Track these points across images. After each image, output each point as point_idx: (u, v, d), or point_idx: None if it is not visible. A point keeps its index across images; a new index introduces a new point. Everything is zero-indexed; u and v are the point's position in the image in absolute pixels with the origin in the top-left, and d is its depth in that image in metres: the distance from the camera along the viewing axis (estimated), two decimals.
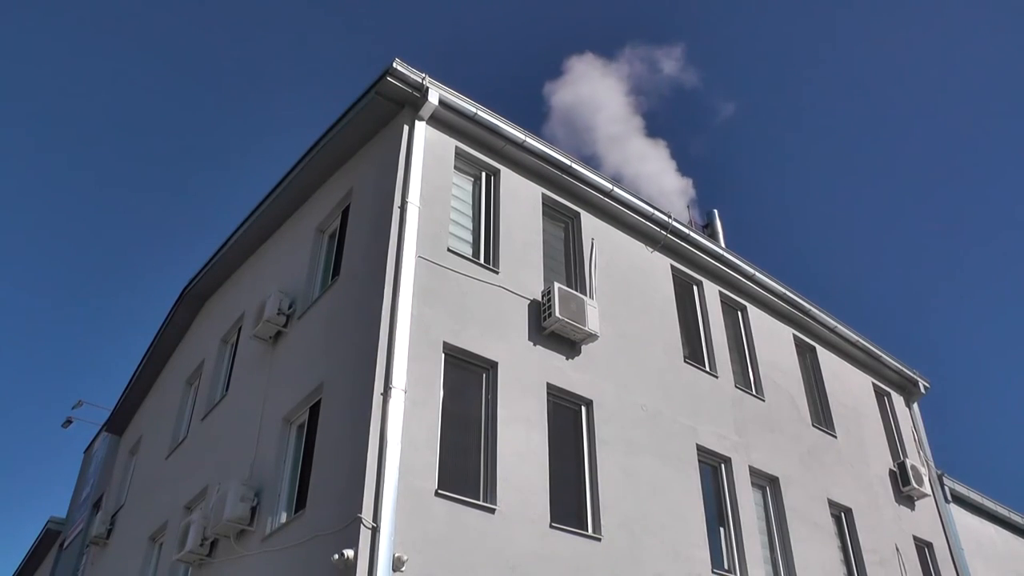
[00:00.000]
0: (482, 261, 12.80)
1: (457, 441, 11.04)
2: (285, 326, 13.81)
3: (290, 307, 13.82)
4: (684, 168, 61.14)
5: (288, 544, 11.04)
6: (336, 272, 13.35)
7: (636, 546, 12.17)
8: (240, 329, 16.32)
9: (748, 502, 14.74)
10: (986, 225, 58.30)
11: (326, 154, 14.16)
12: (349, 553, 9.27)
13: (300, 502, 11.51)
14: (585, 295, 13.53)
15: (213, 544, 13.15)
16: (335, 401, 11.47)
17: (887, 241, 60.59)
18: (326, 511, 10.43)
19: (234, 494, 12.17)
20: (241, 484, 12.37)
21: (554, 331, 12.68)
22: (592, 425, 12.63)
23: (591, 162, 15.80)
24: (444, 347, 11.42)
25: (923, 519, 19.61)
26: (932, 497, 20.29)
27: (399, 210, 11.83)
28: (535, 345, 12.52)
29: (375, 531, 9.38)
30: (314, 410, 12.13)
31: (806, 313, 18.73)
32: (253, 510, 12.21)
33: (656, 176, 34.50)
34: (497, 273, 12.74)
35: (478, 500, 10.63)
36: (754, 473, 15.26)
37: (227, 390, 15.83)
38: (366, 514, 9.46)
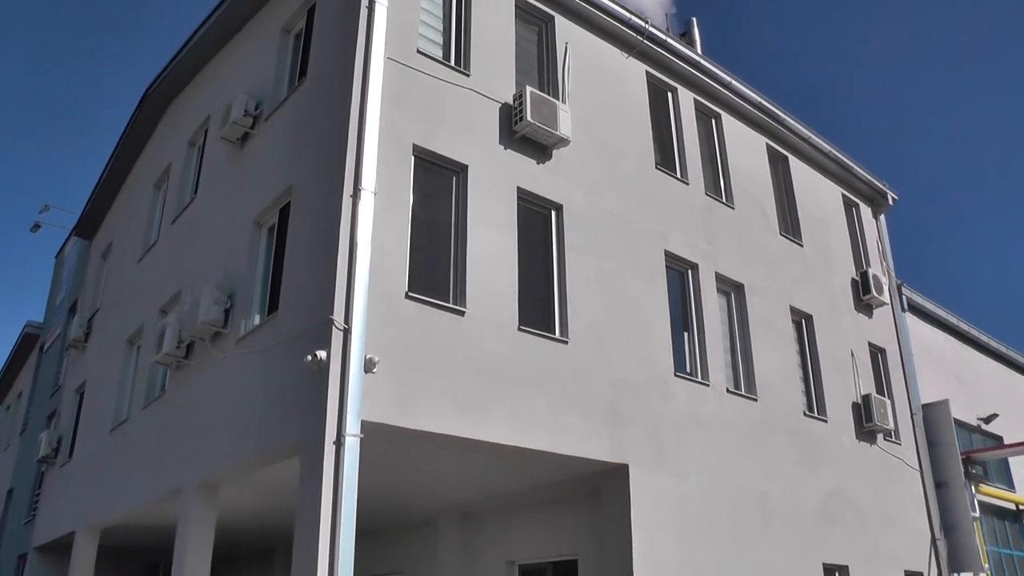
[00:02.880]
0: (453, 63, 12.47)
1: (427, 244, 11.10)
2: (252, 128, 13.56)
3: (257, 108, 13.53)
4: None
5: (262, 346, 11.29)
6: (303, 73, 13.00)
7: (602, 350, 12.53)
8: (207, 132, 16.03)
9: (713, 308, 15.12)
10: (963, 42, 57.40)
11: None
12: (322, 354, 9.48)
13: (273, 304, 11.66)
14: (557, 99, 13.30)
15: (189, 347, 13.42)
16: (305, 204, 11.43)
17: (863, 54, 59.69)
18: (298, 313, 10.60)
19: (207, 297, 12.31)
20: (214, 287, 12.50)
21: (525, 135, 12.54)
22: (561, 230, 12.73)
23: None
24: (414, 150, 11.28)
25: (879, 327, 20.28)
26: (890, 306, 20.91)
27: (367, 9, 11.37)
28: (506, 149, 12.41)
29: (347, 333, 9.56)
30: (284, 213, 12.10)
31: (780, 122, 18.61)
32: (227, 313, 12.40)
33: None
34: (468, 76, 12.44)
35: (448, 303, 10.80)
36: (720, 280, 15.58)
37: (196, 193, 15.71)
38: (337, 316, 9.62)
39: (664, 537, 12.55)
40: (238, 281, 12.52)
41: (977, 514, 20.69)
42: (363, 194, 10.14)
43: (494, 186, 11.96)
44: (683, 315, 14.74)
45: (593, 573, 13.15)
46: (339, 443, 9.21)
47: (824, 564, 15.80)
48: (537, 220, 12.68)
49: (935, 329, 23.80)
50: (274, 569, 20.64)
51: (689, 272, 15.02)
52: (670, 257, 14.54)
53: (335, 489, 9.08)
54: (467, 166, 11.72)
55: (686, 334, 14.65)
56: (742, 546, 13.93)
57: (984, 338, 26.28)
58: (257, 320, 11.94)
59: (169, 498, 13.62)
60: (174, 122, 18.41)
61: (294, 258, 11.30)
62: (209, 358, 12.69)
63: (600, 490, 12.85)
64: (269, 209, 12.47)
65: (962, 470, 20.44)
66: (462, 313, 10.83)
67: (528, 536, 14.64)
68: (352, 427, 9.30)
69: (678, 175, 15.56)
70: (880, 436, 18.70)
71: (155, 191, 18.60)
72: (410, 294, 10.39)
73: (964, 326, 25.18)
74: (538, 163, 12.73)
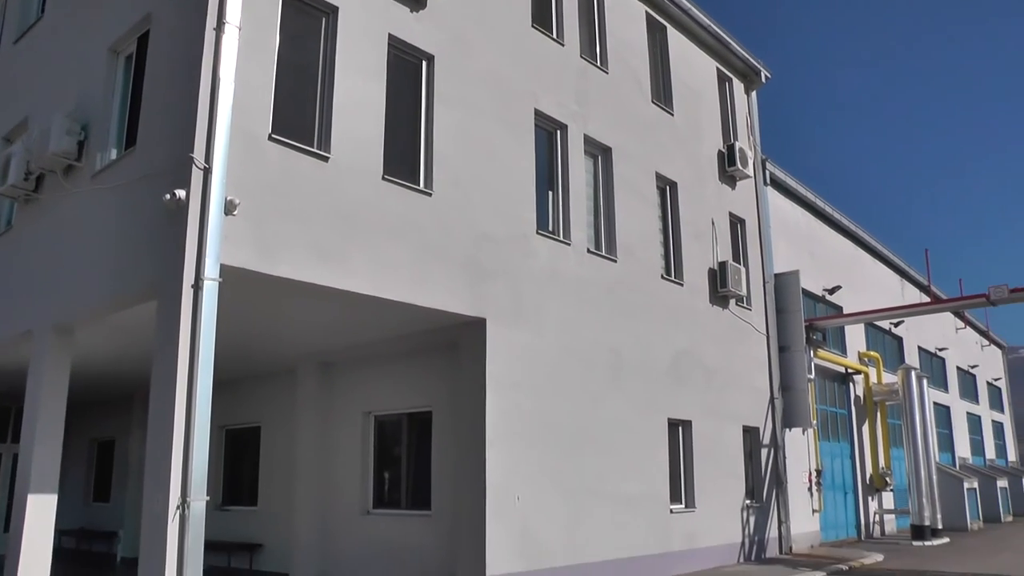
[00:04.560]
0: None
1: (293, 86, 10.80)
2: None
3: None
4: None
5: (118, 182, 10.92)
6: None
7: (466, 204, 12.66)
8: None
9: (579, 169, 15.38)
10: None
11: None
12: (181, 193, 9.27)
13: (131, 139, 11.22)
14: None
15: (39, 179, 12.82)
16: (165, 34, 10.87)
17: None
18: (158, 150, 10.25)
19: (59, 127, 11.70)
20: (66, 117, 11.89)
21: None
22: (432, 81, 12.59)
23: None
24: None
25: (740, 198, 21.05)
26: (752, 179, 21.68)
27: None
28: None
29: (207, 172, 9.33)
30: (143, 41, 11.50)
31: None
32: (80, 145, 11.84)
33: None
34: None
35: (312, 148, 10.63)
36: (588, 142, 15.80)
37: (42, 12, 14.68)
38: (198, 154, 9.33)
39: (517, 390, 13.08)
40: (93, 112, 11.94)
41: (812, 376, 22.25)
42: (227, 28, 9.70)
43: (365, 31, 11.65)
44: (549, 175, 14.94)
45: (447, 425, 13.67)
46: (197, 287, 9.10)
47: (669, 419, 16.81)
48: (407, 69, 12.48)
49: (794, 204, 24.86)
50: (132, 417, 20.58)
51: (558, 132, 15.15)
52: (540, 116, 14.62)
53: (193, 334, 9.02)
54: (337, 8, 11.35)
55: (551, 193, 14.89)
56: (593, 400, 14.66)
57: (837, 215, 27.61)
58: (114, 155, 11.48)
59: (20, 340, 13.24)
60: None
61: (153, 91, 10.83)
62: (62, 193, 12.21)
63: (457, 343, 13.21)
64: (126, 37, 11.81)
65: (804, 336, 21.83)
66: (326, 159, 10.70)
67: (385, 387, 15.02)
68: (211, 271, 9.19)
69: (554, 35, 15.48)
70: (732, 301, 19.68)
71: None
72: (274, 136, 10.16)
73: (820, 203, 26.37)
74: (412, 11, 12.43)
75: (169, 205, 9.27)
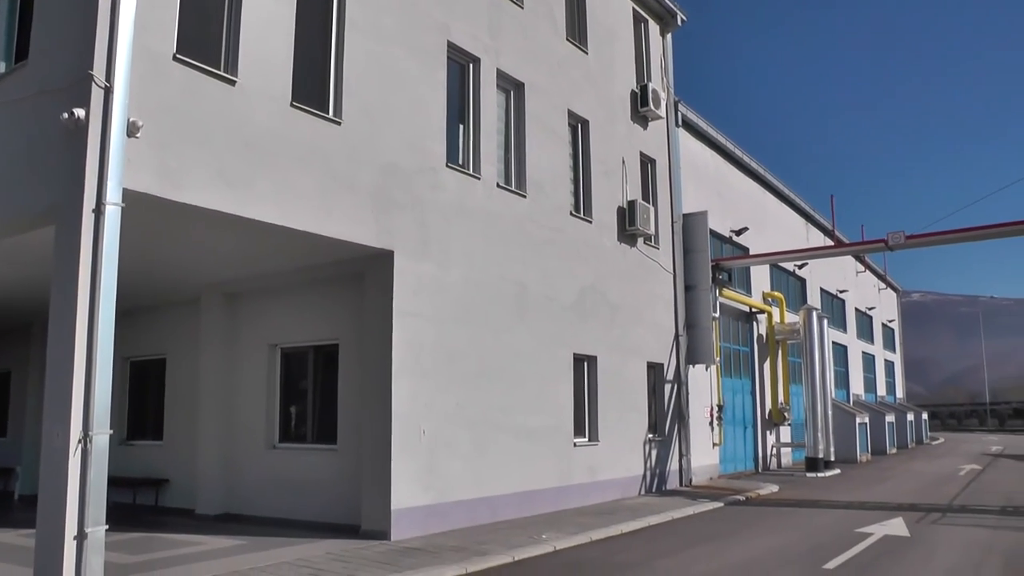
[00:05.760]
0: None
1: (198, 4, 10.45)
2: None
3: None
4: None
5: (10, 98, 10.45)
6: None
7: (375, 134, 12.54)
8: None
9: (491, 103, 15.34)
10: None
11: None
12: (80, 112, 8.86)
13: (21, 51, 10.66)
14: None
15: None
16: None
17: None
18: (53, 65, 9.78)
19: None
20: None
21: None
22: (343, 6, 12.31)
23: None
24: None
25: (652, 138, 21.30)
26: (664, 120, 21.93)
27: None
28: None
29: (108, 91, 8.97)
30: None
31: None
32: None
33: None
34: None
35: (218, 70, 10.35)
36: (501, 76, 15.75)
37: None
38: (98, 72, 8.93)
39: (423, 322, 13.16)
40: None
41: (717, 314, 22.87)
42: None
43: None
44: (460, 108, 14.89)
45: (353, 357, 13.69)
46: (99, 211, 8.79)
47: (575, 354, 17.12)
48: None
49: (704, 146, 25.25)
50: (30, 348, 20.02)
51: (470, 65, 15.07)
52: (452, 48, 14.50)
53: (94, 262, 8.72)
54: None
55: (461, 127, 14.85)
56: (499, 334, 14.84)
57: (747, 159, 28.16)
58: (3, 68, 10.98)
59: None
60: None
61: (46, 1, 10.34)
62: None
63: (364, 275, 13.18)
64: None
65: (710, 275, 22.39)
66: (233, 83, 10.44)
67: (291, 319, 14.91)
68: (113, 195, 8.86)
69: None
70: (641, 240, 20.03)
71: None
72: (178, 56, 9.83)
73: (730, 146, 26.84)
74: None
75: (68, 124, 8.87)
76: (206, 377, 15.66)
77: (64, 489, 8.35)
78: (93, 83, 8.92)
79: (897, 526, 14.26)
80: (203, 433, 15.54)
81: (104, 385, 8.67)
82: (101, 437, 8.58)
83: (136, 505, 16.54)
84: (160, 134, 9.56)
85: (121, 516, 14.22)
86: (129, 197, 9.10)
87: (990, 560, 11.21)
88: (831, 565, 10.79)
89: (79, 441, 8.45)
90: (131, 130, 9.13)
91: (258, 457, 14.94)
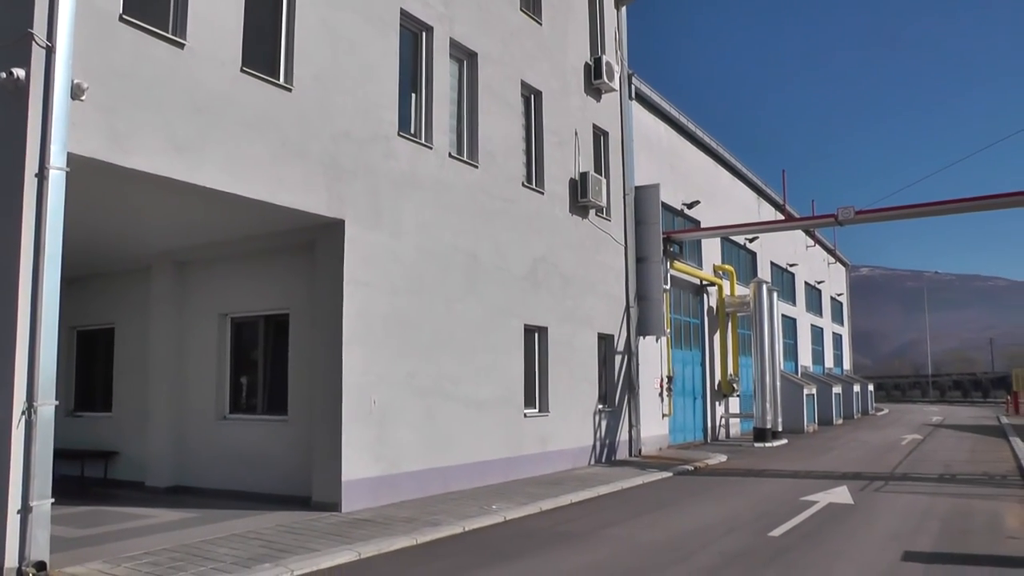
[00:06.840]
0: None
1: None
2: None
3: None
4: None
5: None
6: None
7: (326, 101, 12.41)
8: None
9: (444, 73, 15.25)
10: None
11: None
12: (20, 73, 8.62)
13: None
14: None
15: None
16: None
17: None
18: None
19: None
20: None
21: None
22: None
23: None
24: None
25: (605, 110, 21.34)
26: (618, 93, 21.96)
27: None
28: None
29: (50, 51, 8.73)
30: None
31: None
32: None
33: None
34: None
35: (167, 33, 10.14)
36: (454, 46, 15.66)
37: None
38: (39, 30, 8.68)
39: (374, 292, 13.13)
40: None
41: (668, 287, 23.09)
42: None
43: None
44: (413, 77, 14.79)
45: (304, 326, 13.61)
46: (42, 176, 8.59)
47: (526, 324, 17.20)
48: None
49: (657, 119, 25.37)
50: None
51: (424, 34, 14.95)
52: (405, 16, 14.37)
53: (38, 228, 8.52)
54: None
55: (413, 95, 14.76)
56: (450, 304, 14.85)
57: (699, 132, 28.36)
58: None
59: None
60: None
61: None
62: None
63: (315, 244, 13.10)
64: None
65: (662, 248, 22.56)
66: (182, 45, 10.25)
67: (242, 288, 14.77)
68: (57, 159, 8.67)
69: None
70: (592, 212, 20.11)
71: None
72: (125, 17, 9.59)
73: (683, 119, 27.00)
74: None
75: (7, 84, 8.61)
76: (156, 347, 15.48)
77: (7, 461, 8.24)
78: (33, 42, 8.65)
79: (841, 494, 14.60)
80: (153, 404, 15.39)
81: (49, 355, 8.53)
82: (46, 408, 8.46)
83: (84, 478, 16.33)
84: (107, 97, 9.37)
85: (69, 489, 14.08)
86: (75, 162, 8.93)
87: (928, 524, 11.55)
88: (777, 532, 11.03)
89: (23, 412, 8.32)
90: (75, 92, 8.90)
91: (208, 428, 14.83)
